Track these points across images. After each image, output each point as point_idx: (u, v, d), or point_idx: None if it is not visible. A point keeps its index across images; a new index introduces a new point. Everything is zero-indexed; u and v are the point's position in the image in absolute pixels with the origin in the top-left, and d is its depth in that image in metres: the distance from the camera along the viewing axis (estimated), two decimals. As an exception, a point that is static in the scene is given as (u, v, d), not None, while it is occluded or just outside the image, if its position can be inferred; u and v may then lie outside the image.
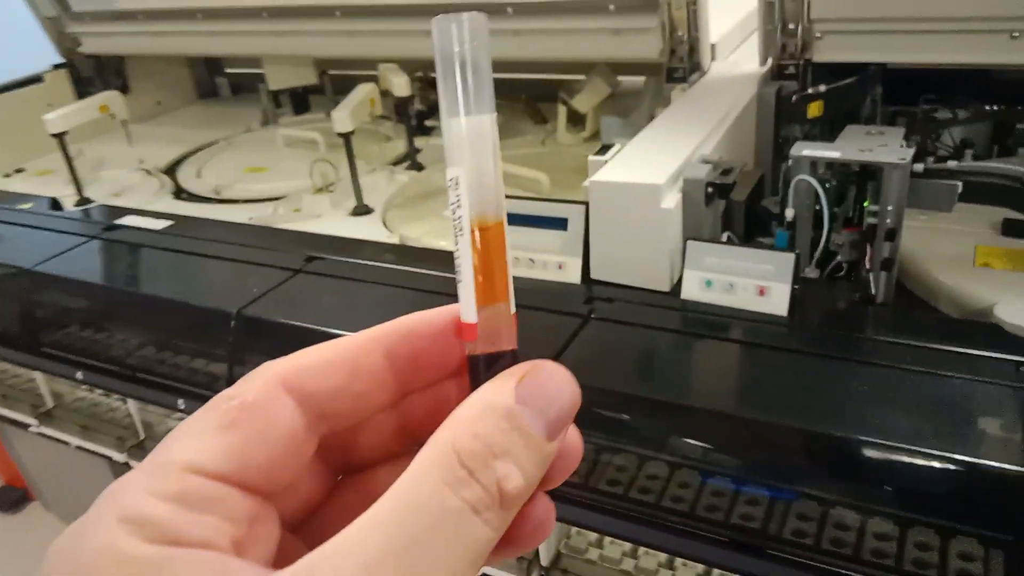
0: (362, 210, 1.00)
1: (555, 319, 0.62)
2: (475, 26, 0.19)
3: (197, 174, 1.22)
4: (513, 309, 0.21)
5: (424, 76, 1.32)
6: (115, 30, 1.40)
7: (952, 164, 0.60)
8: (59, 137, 1.09)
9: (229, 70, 1.73)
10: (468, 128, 0.19)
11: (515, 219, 0.70)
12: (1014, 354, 0.52)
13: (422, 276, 0.72)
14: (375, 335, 0.22)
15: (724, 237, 0.67)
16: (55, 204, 1.07)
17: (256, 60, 1.65)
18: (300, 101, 1.50)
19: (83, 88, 1.46)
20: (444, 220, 0.94)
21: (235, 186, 1.14)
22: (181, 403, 0.72)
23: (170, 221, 0.93)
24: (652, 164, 0.66)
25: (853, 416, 0.48)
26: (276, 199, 1.08)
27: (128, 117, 1.20)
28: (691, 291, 0.62)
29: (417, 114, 1.30)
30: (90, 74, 1.47)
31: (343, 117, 0.95)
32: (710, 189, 0.63)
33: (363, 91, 1.03)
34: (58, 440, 0.88)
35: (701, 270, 0.62)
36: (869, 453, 0.46)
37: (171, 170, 1.27)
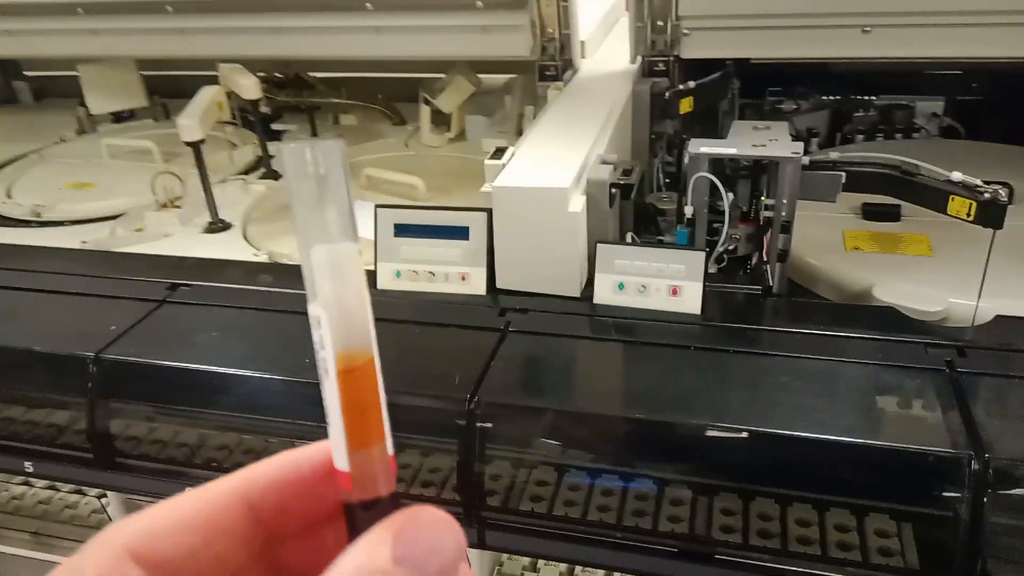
0: (219, 226, 0.90)
1: (470, 335, 0.59)
2: (329, 152, 0.18)
3: (7, 194, 1.05)
4: (391, 450, 0.19)
5: (268, 77, 1.23)
6: None
7: (834, 155, 0.63)
8: None
9: (29, 72, 1.53)
10: (330, 258, 0.18)
11: (413, 230, 0.66)
12: (917, 336, 0.55)
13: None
14: (235, 488, 0.20)
15: (628, 238, 0.66)
16: None
17: (62, 61, 1.47)
18: (122, 106, 1.35)
19: None
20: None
21: (58, 206, 0.99)
22: (28, 465, 0.62)
23: (-15, 252, 0.79)
24: (552, 167, 0.63)
25: (785, 411, 0.49)
26: (111, 218, 0.96)
27: (-88, 130, 1.02)
28: (604, 295, 0.61)
29: (263, 118, 1.20)
30: None
31: (191, 124, 0.86)
32: (614, 190, 0.62)
33: (209, 94, 0.93)
34: None
35: (613, 273, 0.60)
36: (810, 448, 0.47)
37: (-28, 189, 1.09)
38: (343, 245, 0.18)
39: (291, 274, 0.72)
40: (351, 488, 0.19)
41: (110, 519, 0.65)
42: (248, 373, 0.58)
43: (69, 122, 1.32)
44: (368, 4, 0.92)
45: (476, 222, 0.65)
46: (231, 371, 0.58)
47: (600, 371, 0.55)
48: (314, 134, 1.20)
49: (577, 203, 0.61)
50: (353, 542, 0.18)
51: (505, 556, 0.59)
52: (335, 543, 0.18)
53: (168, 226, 0.91)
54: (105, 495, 0.67)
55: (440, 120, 1.12)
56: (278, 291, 0.68)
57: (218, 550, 0.19)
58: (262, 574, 0.21)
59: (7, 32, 1.15)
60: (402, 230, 0.67)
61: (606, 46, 1.02)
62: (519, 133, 1.06)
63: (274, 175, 1.05)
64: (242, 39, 1.05)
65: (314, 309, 0.18)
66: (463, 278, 0.65)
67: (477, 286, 0.65)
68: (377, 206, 0.67)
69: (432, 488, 0.55)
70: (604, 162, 0.65)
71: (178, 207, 0.94)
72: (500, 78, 1.20)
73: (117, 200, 0.99)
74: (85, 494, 0.67)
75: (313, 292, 0.18)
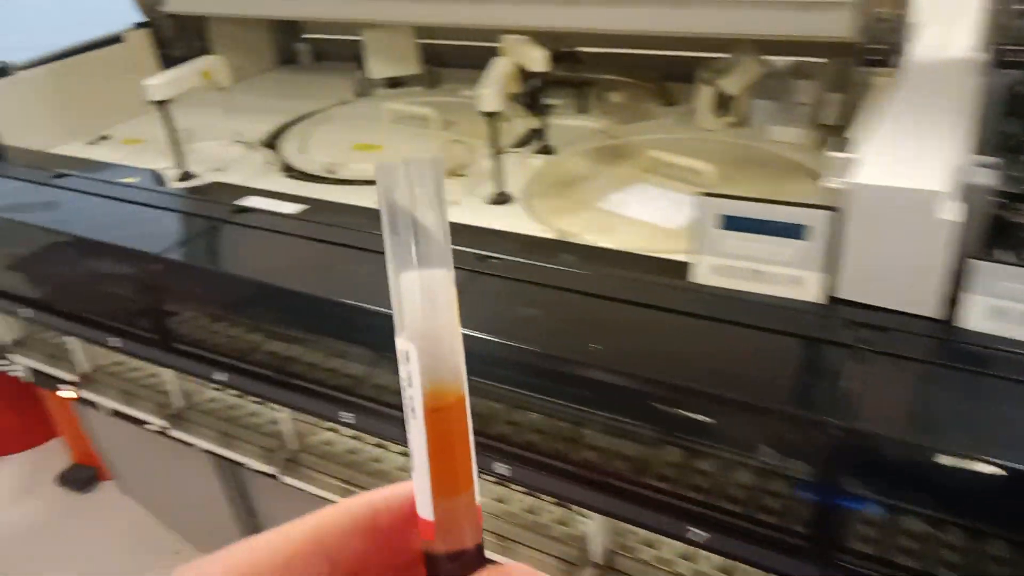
0: (501, 199, 0.91)
1: (817, 349, 0.53)
2: (424, 172, 0.16)
3: (301, 149, 1.13)
4: (479, 498, 0.18)
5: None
6: (201, -12, 1.31)
7: None
8: (160, 105, 1.00)
9: (309, 35, 1.63)
10: (421, 285, 0.17)
11: (740, 223, 0.61)
12: None
13: (615, 282, 0.63)
14: (314, 535, 0.19)
15: (1004, 255, 0.58)
16: (159, 179, 0.99)
17: (340, 25, 1.56)
18: (394, 71, 1.40)
19: (164, 51, 1.37)
20: (600, 213, 0.86)
21: (349, 165, 1.05)
22: (346, 416, 0.64)
23: (301, 205, 0.84)
24: (914, 165, 0.56)
25: None
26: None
27: (229, 84, 1.11)
28: (975, 320, 0.53)
29: (535, 91, 1.20)
30: (171, 35, 1.38)
31: (490, 95, 0.86)
32: (999, 199, 0.54)
33: (503, 65, 0.93)
34: (187, 443, 0.81)
35: (990, 296, 0.53)
36: None
37: (269, 144, 1.18)
38: (436, 272, 0.16)
39: (591, 256, 0.71)
40: (435, 538, 0.17)
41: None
42: (570, 357, 0.57)
43: (346, 85, 1.40)
44: (676, -23, 0.87)
45: (816, 221, 0.59)
46: (551, 353, 0.57)
47: (992, 414, 0.47)
48: (582, 110, 1.18)
49: (949, 210, 0.54)
50: None
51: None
52: None
53: (454, 194, 0.93)
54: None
55: (720, 103, 1.06)
56: (582, 272, 0.66)
57: None
58: None
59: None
60: (727, 222, 0.62)
61: (933, 30, 0.91)
62: (816, 123, 0.98)
63: (548, 150, 1.04)
64: (523, 9, 1.05)
65: (401, 343, 0.17)
66: (795, 281, 0.60)
67: (812, 292, 0.59)
68: (704, 194, 0.63)
69: (757, 509, 0.50)
70: (981, 164, 0.56)
71: (462, 175, 0.96)
72: (781, 59, 1.12)
73: (403, 163, 1.03)
74: (389, 450, 0.70)
75: (401, 323, 0.17)
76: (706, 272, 0.63)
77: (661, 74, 1.21)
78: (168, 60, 1.38)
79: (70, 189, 0.91)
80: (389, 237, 0.17)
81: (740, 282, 0.62)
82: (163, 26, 1.36)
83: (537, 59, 0.97)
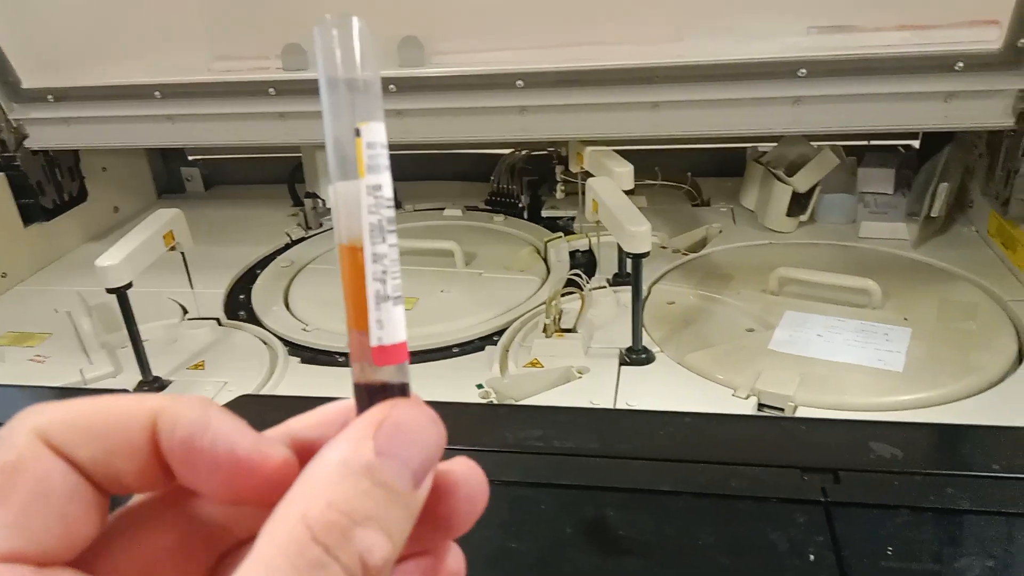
0: (643, 356, 0.70)
1: None
2: (363, 31, 0.17)
3: (306, 327, 0.83)
4: (377, 343, 0.18)
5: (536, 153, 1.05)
6: (76, 115, 0.98)
7: None
8: (119, 293, 0.68)
9: (195, 156, 1.32)
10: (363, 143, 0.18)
11: None
12: None
13: None
14: (146, 411, 0.18)
15: None
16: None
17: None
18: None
19: (25, 200, 1.01)
20: (785, 360, 0.68)
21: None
22: None
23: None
24: None
25: None
26: (466, 345, 0.75)
27: (191, 245, 0.81)
28: None
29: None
30: (39, 178, 1.02)
31: (645, 234, 0.66)
32: None
33: (609, 187, 0.74)
34: None
35: None
36: None
37: (235, 311, 0.88)
38: (376, 124, 0.18)
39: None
40: (353, 365, 0.18)
41: None
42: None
43: (272, 215, 1.12)
44: (802, 70, 0.74)
45: None
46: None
47: None
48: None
49: None
50: (336, 436, 0.17)
51: None
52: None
53: (568, 356, 0.71)
54: None
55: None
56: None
57: (118, 470, 0.17)
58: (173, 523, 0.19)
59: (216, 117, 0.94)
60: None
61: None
62: (927, 214, 0.88)
63: (620, 279, 0.85)
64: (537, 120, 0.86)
65: (334, 187, 0.18)
66: None
67: None
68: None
69: None
70: None
71: (570, 331, 0.74)
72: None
73: (462, 320, 0.79)
74: None
75: (336, 174, 0.18)
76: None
77: (684, 169, 1.08)
78: (31, 210, 1.02)
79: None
80: (329, 94, 0.17)
81: None
82: (29, 168, 1.00)
83: (626, 176, 0.79)
